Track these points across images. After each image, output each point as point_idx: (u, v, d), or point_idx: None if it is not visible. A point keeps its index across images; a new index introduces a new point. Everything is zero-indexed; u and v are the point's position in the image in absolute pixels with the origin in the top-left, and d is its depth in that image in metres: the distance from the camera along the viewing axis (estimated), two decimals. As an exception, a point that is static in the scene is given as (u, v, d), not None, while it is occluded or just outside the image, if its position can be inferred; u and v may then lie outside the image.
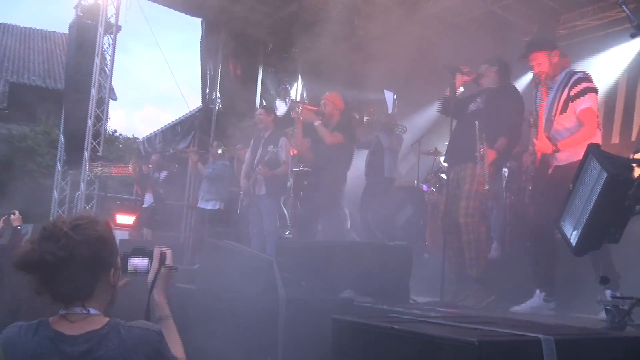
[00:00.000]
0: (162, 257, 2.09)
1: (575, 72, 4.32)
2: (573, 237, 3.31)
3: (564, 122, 4.24)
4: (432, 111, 7.31)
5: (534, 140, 4.31)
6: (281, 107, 6.45)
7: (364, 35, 7.30)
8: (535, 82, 4.48)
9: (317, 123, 6.13)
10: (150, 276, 2.07)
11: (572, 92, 4.18)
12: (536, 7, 8.45)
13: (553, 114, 4.27)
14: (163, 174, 9.42)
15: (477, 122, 4.68)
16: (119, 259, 1.89)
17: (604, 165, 3.18)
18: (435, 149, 7.76)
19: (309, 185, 6.40)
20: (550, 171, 4.32)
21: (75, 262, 1.69)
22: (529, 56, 4.43)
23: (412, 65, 8.11)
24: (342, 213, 6.42)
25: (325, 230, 6.48)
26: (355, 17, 6.89)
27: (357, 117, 6.78)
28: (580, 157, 3.36)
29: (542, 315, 4.07)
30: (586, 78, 4.23)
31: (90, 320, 1.73)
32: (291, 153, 7.18)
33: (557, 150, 4.22)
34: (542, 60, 4.34)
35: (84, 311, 1.73)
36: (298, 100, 6.20)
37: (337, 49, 7.28)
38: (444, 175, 7.01)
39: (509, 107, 4.76)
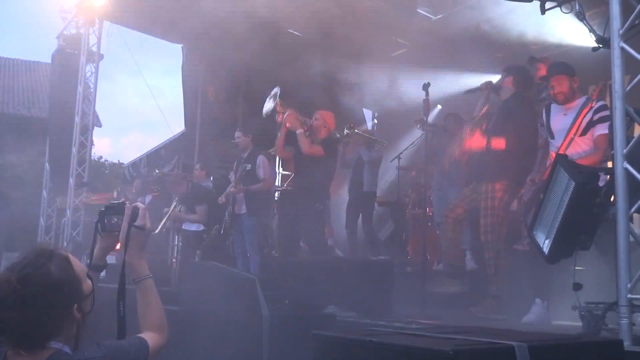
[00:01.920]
0: (134, 215, 1.90)
1: (597, 100, 4.44)
2: (545, 245, 3.40)
3: (581, 144, 4.35)
4: (411, 127, 7.41)
5: (553, 153, 4.40)
6: (267, 106, 6.42)
7: (343, 57, 7.42)
8: (551, 101, 4.62)
9: (299, 131, 6.06)
10: (121, 236, 1.89)
11: (595, 118, 4.29)
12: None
13: (571, 135, 4.38)
14: (148, 198, 9.42)
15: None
16: (84, 288, 1.68)
17: (572, 174, 3.28)
18: (415, 164, 7.80)
19: (290, 203, 6.41)
20: None
21: (27, 317, 1.54)
22: (551, 77, 4.56)
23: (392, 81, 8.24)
24: (325, 230, 6.37)
25: (308, 247, 6.49)
26: (332, 40, 6.99)
27: (339, 136, 6.77)
28: None
29: (546, 324, 4.12)
30: (607, 107, 4.34)
31: (38, 354, 1.57)
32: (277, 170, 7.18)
33: None
34: (562, 83, 4.44)
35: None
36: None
37: (316, 71, 7.37)
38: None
39: (518, 122, 4.78)
